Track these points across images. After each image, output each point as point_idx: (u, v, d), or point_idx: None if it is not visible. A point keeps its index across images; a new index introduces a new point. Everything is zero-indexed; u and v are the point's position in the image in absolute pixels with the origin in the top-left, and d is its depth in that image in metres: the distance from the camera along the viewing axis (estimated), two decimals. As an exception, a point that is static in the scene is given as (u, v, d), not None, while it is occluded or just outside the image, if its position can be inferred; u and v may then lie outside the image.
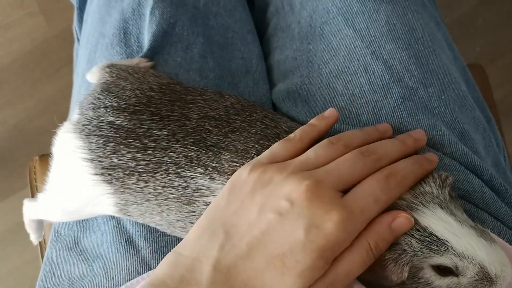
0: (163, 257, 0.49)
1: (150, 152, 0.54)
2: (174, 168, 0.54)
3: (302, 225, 0.44)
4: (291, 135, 0.53)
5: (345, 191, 0.48)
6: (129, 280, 0.59)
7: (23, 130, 1.56)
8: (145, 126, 0.55)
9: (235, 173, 0.50)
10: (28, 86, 1.58)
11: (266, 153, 0.51)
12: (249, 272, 0.44)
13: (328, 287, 0.45)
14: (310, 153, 0.51)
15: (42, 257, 0.83)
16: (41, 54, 1.60)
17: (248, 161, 0.53)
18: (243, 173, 0.49)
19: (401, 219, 0.47)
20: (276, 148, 0.52)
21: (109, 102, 0.56)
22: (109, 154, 0.55)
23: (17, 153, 1.54)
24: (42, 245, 0.84)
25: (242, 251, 0.45)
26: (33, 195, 0.87)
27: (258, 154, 0.54)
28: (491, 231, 0.56)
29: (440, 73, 0.64)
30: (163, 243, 0.60)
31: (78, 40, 0.82)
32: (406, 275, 0.47)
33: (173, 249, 0.48)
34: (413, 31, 0.65)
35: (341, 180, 0.48)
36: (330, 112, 0.56)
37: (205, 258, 0.45)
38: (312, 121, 0.55)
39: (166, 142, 0.55)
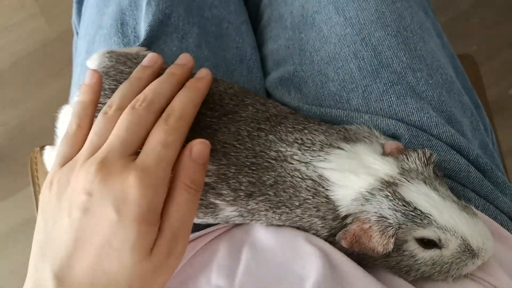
0: None
1: None
2: None
3: (110, 207, 0.44)
4: (68, 127, 0.51)
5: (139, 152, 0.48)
6: None
7: (24, 130, 1.57)
8: None
9: (40, 195, 0.50)
10: (30, 87, 1.60)
11: (56, 159, 0.50)
12: (88, 272, 0.44)
13: (170, 240, 0.45)
14: (91, 136, 0.49)
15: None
16: (43, 55, 1.62)
17: (239, 142, 0.55)
18: (45, 191, 0.49)
19: (196, 147, 0.48)
20: (61, 148, 0.50)
21: (107, 85, 0.58)
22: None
23: (19, 153, 1.55)
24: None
25: (71, 259, 0.45)
26: (34, 187, 0.89)
27: (248, 136, 0.56)
28: (477, 209, 0.58)
29: (428, 59, 0.66)
30: None
31: (77, 33, 0.84)
32: (392, 246, 0.49)
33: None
34: (402, 19, 0.67)
35: (125, 145, 0.47)
36: (90, 76, 0.54)
37: (44, 282, 0.45)
38: (79, 97, 0.53)
39: None
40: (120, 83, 0.58)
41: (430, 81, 0.64)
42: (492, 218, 0.58)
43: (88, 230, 0.44)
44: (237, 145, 0.56)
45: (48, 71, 1.60)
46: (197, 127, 0.56)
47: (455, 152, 0.60)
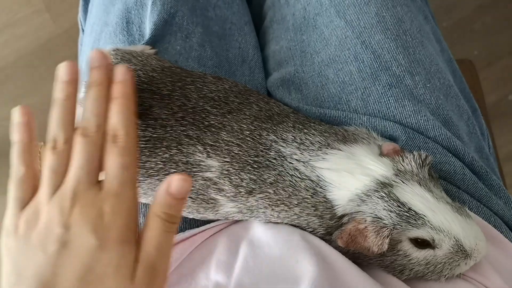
0: None
1: (150, 129, 0.57)
2: (174, 144, 0.57)
3: (89, 235, 0.45)
4: (15, 170, 0.50)
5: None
6: None
7: (27, 126, 1.58)
8: (146, 104, 0.58)
9: (2, 243, 0.49)
10: (33, 83, 1.61)
11: (11, 205, 0.49)
12: None
13: (148, 268, 0.46)
14: (47, 173, 0.48)
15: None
16: (47, 51, 1.62)
17: (241, 141, 0.56)
18: (8, 237, 0.48)
19: (176, 183, 0.47)
20: (15, 194, 0.49)
21: None
22: None
23: (21, 148, 1.57)
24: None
25: None
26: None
27: (251, 135, 0.57)
28: (471, 211, 0.59)
29: (426, 63, 0.67)
30: None
31: (83, 30, 0.85)
32: (386, 246, 0.50)
33: None
34: (402, 23, 0.68)
35: (91, 174, 0.48)
36: (22, 113, 0.52)
37: None
38: (16, 137, 0.51)
39: (166, 121, 0.57)
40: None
41: (428, 85, 0.65)
42: (485, 220, 0.59)
43: (68, 261, 0.45)
44: (240, 144, 0.57)
45: (51, 67, 1.58)
46: (202, 125, 0.57)
47: (451, 155, 0.62)
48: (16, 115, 0.52)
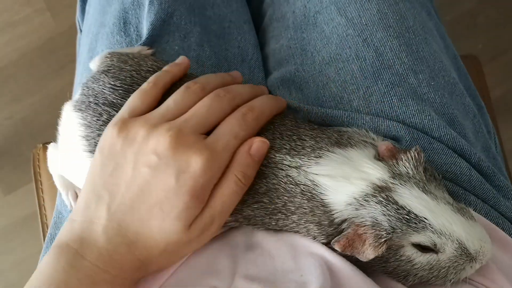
0: None
1: None
2: None
3: (172, 173, 0.49)
4: (144, 84, 0.56)
5: (209, 133, 0.53)
6: None
7: (29, 125, 1.58)
8: None
9: (102, 135, 0.53)
10: (35, 82, 1.60)
11: (125, 107, 0.54)
12: (137, 223, 0.50)
13: (208, 222, 0.51)
14: (169, 102, 0.54)
15: (44, 237, 0.85)
16: (48, 50, 1.62)
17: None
18: (109, 134, 0.52)
19: (256, 144, 0.52)
20: (134, 100, 0.55)
21: (107, 81, 0.59)
22: (101, 131, 0.57)
23: (23, 147, 1.56)
24: (44, 230, 0.86)
25: (126, 207, 0.50)
26: (36, 183, 0.89)
27: None
28: (478, 214, 0.57)
29: (430, 61, 0.65)
30: None
31: (81, 30, 0.84)
32: (383, 250, 0.49)
33: (68, 217, 0.53)
34: (404, 20, 0.66)
35: (201, 124, 0.52)
36: (182, 59, 0.61)
37: (97, 219, 0.50)
38: (165, 67, 0.59)
39: None
40: (119, 80, 0.59)
41: (432, 83, 0.64)
42: (494, 223, 0.57)
43: (147, 187, 0.50)
44: None
45: (52, 66, 1.61)
46: None
47: (456, 155, 0.60)
48: (180, 58, 0.60)
